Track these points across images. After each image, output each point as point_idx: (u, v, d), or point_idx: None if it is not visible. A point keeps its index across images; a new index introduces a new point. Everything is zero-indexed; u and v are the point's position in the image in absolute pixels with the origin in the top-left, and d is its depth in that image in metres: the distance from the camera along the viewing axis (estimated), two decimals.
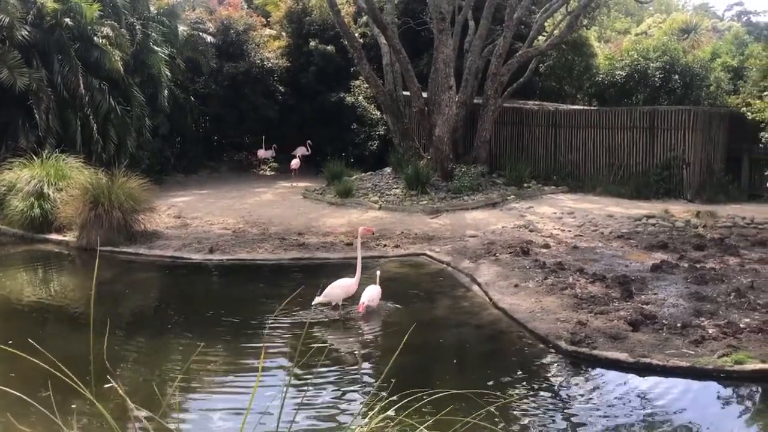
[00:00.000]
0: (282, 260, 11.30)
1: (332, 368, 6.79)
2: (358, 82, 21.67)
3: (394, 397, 3.38)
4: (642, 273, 9.57)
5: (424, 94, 17.87)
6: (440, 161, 16.64)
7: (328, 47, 21.65)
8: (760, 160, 16.13)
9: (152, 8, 19.27)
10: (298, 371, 6.63)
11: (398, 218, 14.16)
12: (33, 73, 15.52)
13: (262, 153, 22.09)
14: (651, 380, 6.32)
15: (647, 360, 6.45)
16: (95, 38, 16.60)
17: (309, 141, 20.68)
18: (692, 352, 6.60)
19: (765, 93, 15.46)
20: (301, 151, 20.70)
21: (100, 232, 11.87)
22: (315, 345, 7.28)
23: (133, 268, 11.30)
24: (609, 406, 5.93)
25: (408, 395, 3.25)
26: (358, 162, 20.98)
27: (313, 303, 8.20)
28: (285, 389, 3.58)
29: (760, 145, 15.44)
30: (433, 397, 3.32)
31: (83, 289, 10.11)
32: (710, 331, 7.11)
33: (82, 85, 16.08)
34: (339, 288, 8.42)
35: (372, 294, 8.37)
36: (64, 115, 16.21)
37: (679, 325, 7.31)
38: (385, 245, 11.98)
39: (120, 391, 2.88)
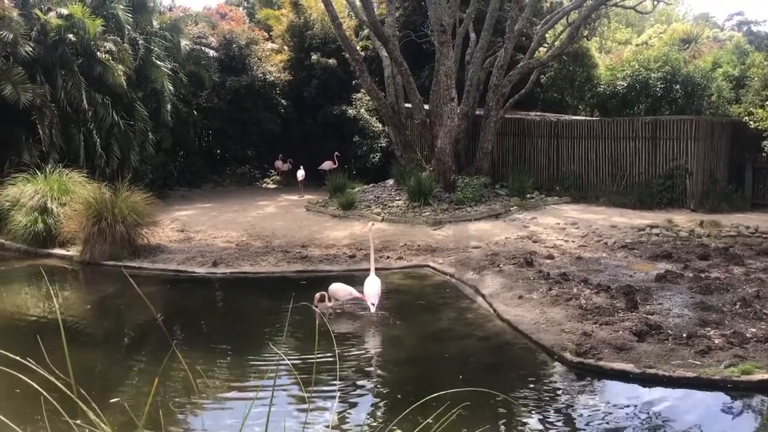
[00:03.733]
0: (285, 273, 11.29)
1: (337, 383, 6.74)
2: (359, 95, 21.72)
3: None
4: (647, 283, 9.53)
5: (426, 106, 17.92)
6: (442, 173, 16.65)
7: (330, 60, 21.75)
8: (763, 169, 16.10)
9: (155, 23, 19.35)
10: (300, 389, 6.58)
11: (401, 230, 14.15)
12: (36, 89, 15.57)
13: (279, 164, 22.31)
14: (657, 391, 6.27)
15: (653, 371, 6.41)
16: (98, 53, 16.68)
17: (337, 153, 20.40)
18: (698, 363, 6.55)
19: (767, 102, 15.47)
20: (328, 165, 20.53)
21: (104, 246, 11.93)
22: (317, 359, 7.24)
23: (137, 282, 11.26)
24: (615, 417, 5.88)
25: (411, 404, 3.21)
26: (361, 174, 21.02)
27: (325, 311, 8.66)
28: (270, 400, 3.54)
29: (763, 154, 15.42)
30: (440, 408, 3.28)
31: (86, 305, 10.10)
32: (716, 341, 7.06)
33: (85, 100, 16.15)
34: (342, 290, 8.84)
35: (376, 290, 8.63)
36: (67, 130, 16.27)
37: (684, 335, 7.27)
38: (388, 257, 11.98)
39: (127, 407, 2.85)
